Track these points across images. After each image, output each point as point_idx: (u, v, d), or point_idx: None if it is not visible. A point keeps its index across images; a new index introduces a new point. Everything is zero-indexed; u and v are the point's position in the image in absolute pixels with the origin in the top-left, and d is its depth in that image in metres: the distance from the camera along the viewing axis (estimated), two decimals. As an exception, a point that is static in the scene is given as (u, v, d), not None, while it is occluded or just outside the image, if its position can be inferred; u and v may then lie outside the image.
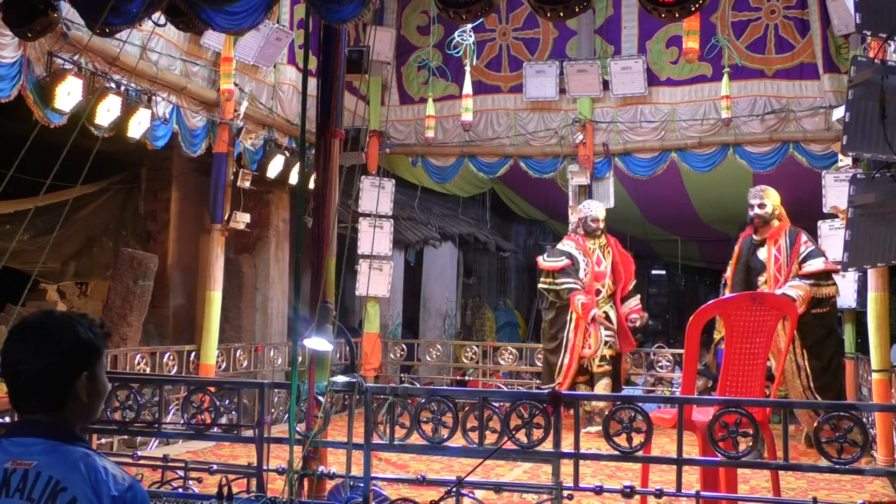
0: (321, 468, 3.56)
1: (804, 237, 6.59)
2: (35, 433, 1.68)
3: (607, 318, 7.65)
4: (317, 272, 3.85)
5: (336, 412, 6.99)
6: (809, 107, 7.93)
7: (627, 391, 8.67)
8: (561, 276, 7.65)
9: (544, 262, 7.83)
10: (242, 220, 7.36)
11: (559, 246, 7.94)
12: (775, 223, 6.69)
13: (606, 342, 7.57)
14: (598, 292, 7.69)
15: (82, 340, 1.71)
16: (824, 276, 6.40)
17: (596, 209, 7.89)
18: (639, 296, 7.97)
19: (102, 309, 7.62)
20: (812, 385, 6.26)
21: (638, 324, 7.82)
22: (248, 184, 7.43)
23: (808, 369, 6.26)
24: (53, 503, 1.61)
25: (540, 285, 7.93)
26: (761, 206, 6.69)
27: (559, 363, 7.51)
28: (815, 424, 3.24)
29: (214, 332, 7.12)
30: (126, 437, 5.51)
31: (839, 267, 5.66)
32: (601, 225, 7.83)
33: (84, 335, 1.72)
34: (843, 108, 4.11)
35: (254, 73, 7.59)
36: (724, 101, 7.96)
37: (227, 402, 3.89)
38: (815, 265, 6.39)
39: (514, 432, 3.34)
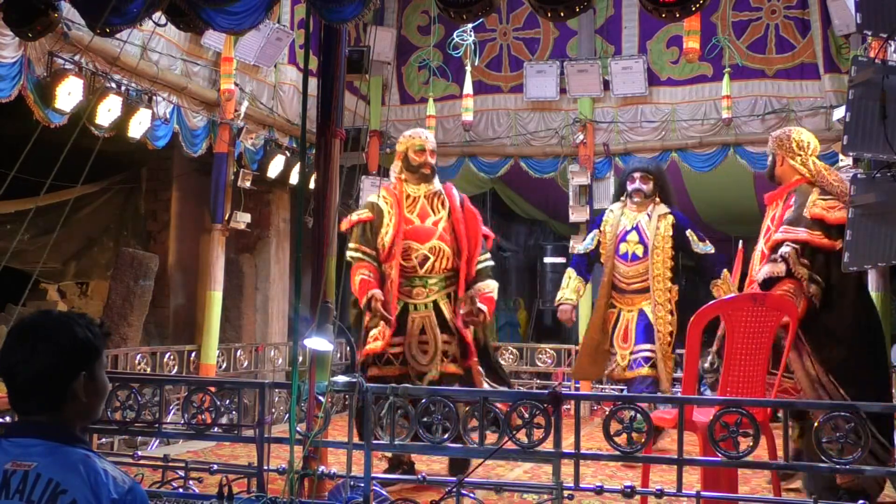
0: (321, 468, 3.56)
1: (798, 197, 4.54)
2: (35, 434, 1.68)
3: (437, 309, 4.94)
4: (317, 272, 3.85)
5: (336, 412, 6.99)
6: (810, 107, 7.93)
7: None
8: (350, 239, 5.07)
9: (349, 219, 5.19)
10: (243, 220, 7.36)
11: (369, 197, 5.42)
12: (794, 178, 4.66)
13: (445, 351, 4.88)
14: (421, 263, 4.94)
15: (80, 340, 1.71)
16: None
17: (425, 135, 5.31)
18: (495, 283, 5.06)
19: (103, 309, 7.63)
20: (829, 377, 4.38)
21: (469, 318, 4.83)
22: (248, 184, 7.44)
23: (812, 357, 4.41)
24: None
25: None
26: (770, 156, 4.84)
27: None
28: (816, 424, 3.24)
29: (215, 332, 7.12)
30: (126, 437, 5.51)
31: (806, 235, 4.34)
32: (430, 160, 5.14)
33: (82, 335, 1.71)
34: (843, 108, 4.10)
35: (254, 73, 7.60)
36: (724, 100, 7.97)
37: (227, 402, 3.89)
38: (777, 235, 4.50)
39: (514, 432, 3.34)
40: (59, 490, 1.61)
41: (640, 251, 6.05)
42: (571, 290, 6.30)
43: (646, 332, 5.97)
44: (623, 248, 6.10)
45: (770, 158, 4.85)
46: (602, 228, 6.27)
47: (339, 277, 4.03)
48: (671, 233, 6.02)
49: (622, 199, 6.32)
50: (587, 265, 6.40)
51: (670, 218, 6.09)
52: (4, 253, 4.69)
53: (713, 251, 6.13)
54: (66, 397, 1.70)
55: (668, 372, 5.94)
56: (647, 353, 5.94)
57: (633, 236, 6.09)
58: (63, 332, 1.70)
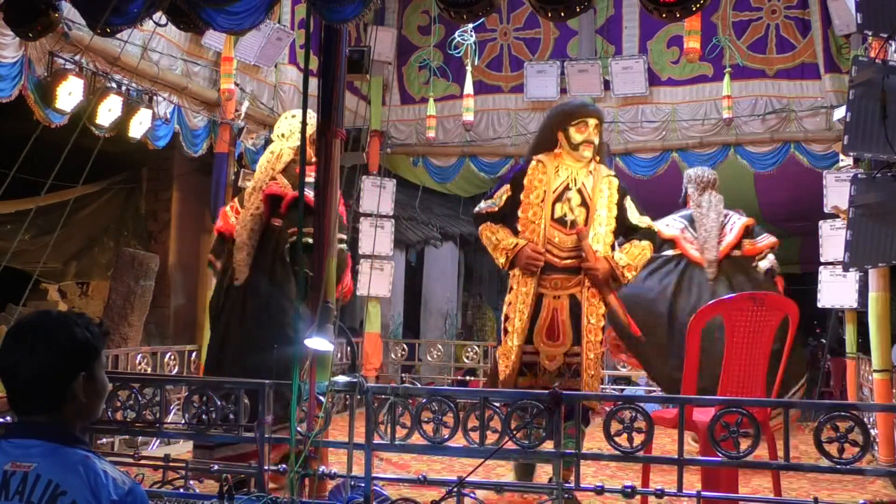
0: (322, 468, 3.56)
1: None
2: (34, 435, 1.67)
3: None
4: (318, 272, 3.85)
5: (337, 412, 6.99)
6: (810, 107, 7.93)
7: (628, 391, 8.66)
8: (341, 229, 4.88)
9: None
10: (243, 220, 7.35)
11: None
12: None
13: None
14: None
15: (79, 340, 1.71)
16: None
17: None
18: None
19: (103, 309, 7.62)
20: None
21: None
22: (249, 184, 7.42)
23: None
24: None
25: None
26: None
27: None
28: (816, 424, 3.24)
29: (215, 332, 7.11)
30: (127, 436, 5.51)
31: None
32: None
33: (81, 335, 1.71)
34: (844, 108, 4.11)
35: (255, 73, 7.59)
36: (725, 100, 7.98)
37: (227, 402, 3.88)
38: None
39: (514, 432, 3.34)
40: (59, 491, 1.60)
41: (582, 217, 4.77)
42: (507, 234, 4.82)
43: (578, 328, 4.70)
44: (560, 209, 4.76)
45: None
46: (525, 182, 4.84)
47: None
48: (616, 199, 4.89)
49: (557, 149, 4.91)
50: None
51: (615, 181, 4.95)
52: (5, 253, 4.70)
53: (653, 228, 5.12)
54: (65, 398, 1.70)
55: (595, 377, 4.72)
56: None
57: (576, 197, 4.79)
58: (62, 333, 1.70)
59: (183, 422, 3.85)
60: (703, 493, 3.50)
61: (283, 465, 3.54)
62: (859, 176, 3.88)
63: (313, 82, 4.02)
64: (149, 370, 6.70)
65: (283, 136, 4.99)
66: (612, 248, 4.89)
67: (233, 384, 3.79)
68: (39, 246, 7.65)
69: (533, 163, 4.90)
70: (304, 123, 3.93)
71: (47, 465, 1.62)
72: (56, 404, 1.70)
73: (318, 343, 3.62)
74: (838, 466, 3.18)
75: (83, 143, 4.45)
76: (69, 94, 5.43)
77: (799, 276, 12.09)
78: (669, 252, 6.35)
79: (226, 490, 3.10)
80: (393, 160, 9.34)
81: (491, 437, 3.42)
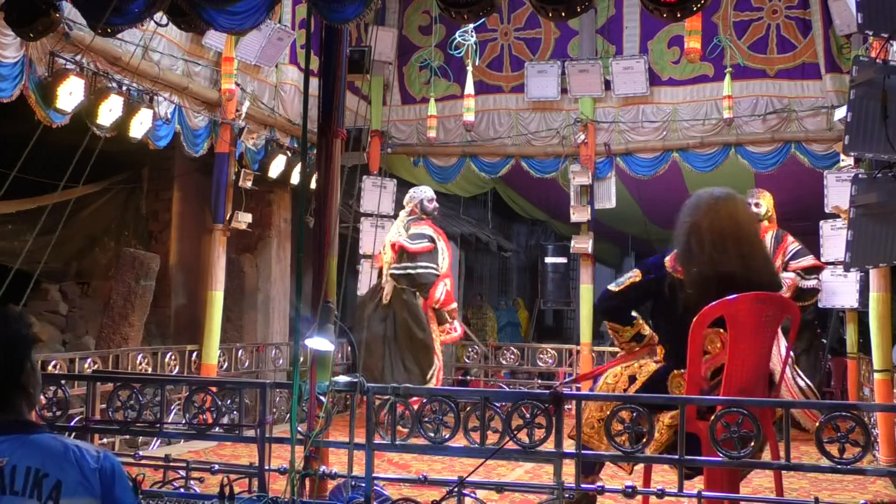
0: (323, 468, 3.56)
1: (790, 238, 7.27)
2: None
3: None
4: (318, 272, 3.85)
5: (338, 412, 6.99)
6: (811, 107, 7.93)
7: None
8: (423, 259, 7.31)
9: (411, 244, 7.35)
10: (244, 219, 7.36)
11: (418, 230, 7.45)
12: (765, 224, 7.25)
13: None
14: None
15: (22, 334, 1.73)
16: (811, 271, 7.17)
17: (429, 189, 7.74)
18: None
19: (104, 309, 7.63)
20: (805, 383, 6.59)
21: None
22: (249, 184, 7.44)
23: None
24: (39, 490, 1.62)
25: (394, 270, 7.36)
26: (757, 205, 7.17)
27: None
28: (818, 424, 3.24)
29: (216, 332, 7.12)
30: (128, 436, 5.51)
31: (825, 264, 6.94)
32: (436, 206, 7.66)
33: (22, 329, 1.73)
34: (844, 108, 4.11)
35: (255, 73, 7.60)
36: (725, 100, 7.97)
37: (228, 401, 3.89)
38: (806, 261, 7.17)
39: (515, 432, 3.34)
40: (41, 475, 1.63)
41: None
42: None
43: None
44: None
45: (763, 209, 7.30)
46: None
47: (339, 278, 4.02)
48: None
49: None
50: None
51: None
52: (5, 253, 4.69)
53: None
54: (17, 391, 1.71)
55: None
56: None
57: None
58: (5, 330, 1.71)
59: (183, 422, 3.85)
60: (704, 493, 3.50)
61: (284, 465, 3.54)
62: (860, 176, 3.89)
63: (314, 82, 4.03)
64: (149, 370, 6.71)
65: (402, 205, 7.67)
66: None
67: (234, 384, 3.79)
68: (40, 246, 7.64)
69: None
70: (304, 122, 3.94)
71: (20, 456, 1.65)
72: (9, 400, 1.71)
73: (319, 343, 3.63)
74: (839, 466, 3.18)
75: (84, 143, 4.44)
76: (70, 94, 5.43)
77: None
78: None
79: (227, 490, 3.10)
80: (393, 160, 9.34)
81: (492, 437, 3.42)
